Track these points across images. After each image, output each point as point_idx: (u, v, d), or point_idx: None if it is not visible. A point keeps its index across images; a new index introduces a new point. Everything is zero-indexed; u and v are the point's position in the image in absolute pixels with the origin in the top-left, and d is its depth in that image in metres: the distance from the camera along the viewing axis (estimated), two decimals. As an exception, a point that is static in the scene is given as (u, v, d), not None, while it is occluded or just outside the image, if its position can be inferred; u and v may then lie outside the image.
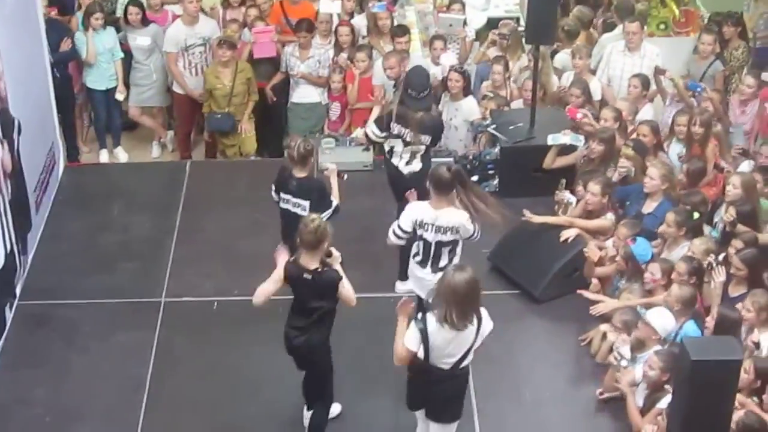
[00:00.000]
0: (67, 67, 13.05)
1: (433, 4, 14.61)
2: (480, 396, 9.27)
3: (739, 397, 8.09)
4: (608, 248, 10.32)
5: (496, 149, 12.11)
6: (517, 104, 12.79)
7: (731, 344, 7.32)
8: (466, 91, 12.60)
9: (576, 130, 11.73)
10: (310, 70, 13.13)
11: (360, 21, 13.60)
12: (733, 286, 9.49)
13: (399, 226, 9.23)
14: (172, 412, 9.45)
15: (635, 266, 9.96)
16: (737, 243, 9.57)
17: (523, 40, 12.98)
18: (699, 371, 6.93)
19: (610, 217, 10.61)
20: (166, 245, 11.47)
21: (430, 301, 7.99)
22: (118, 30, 13.38)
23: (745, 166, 11.13)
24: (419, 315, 7.98)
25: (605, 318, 9.77)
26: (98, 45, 13.03)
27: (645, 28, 13.26)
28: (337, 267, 8.42)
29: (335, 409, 9.11)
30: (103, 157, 13.69)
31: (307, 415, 9.06)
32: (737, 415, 7.95)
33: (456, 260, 9.11)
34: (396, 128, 10.37)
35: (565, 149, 11.67)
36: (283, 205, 9.71)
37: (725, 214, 10.14)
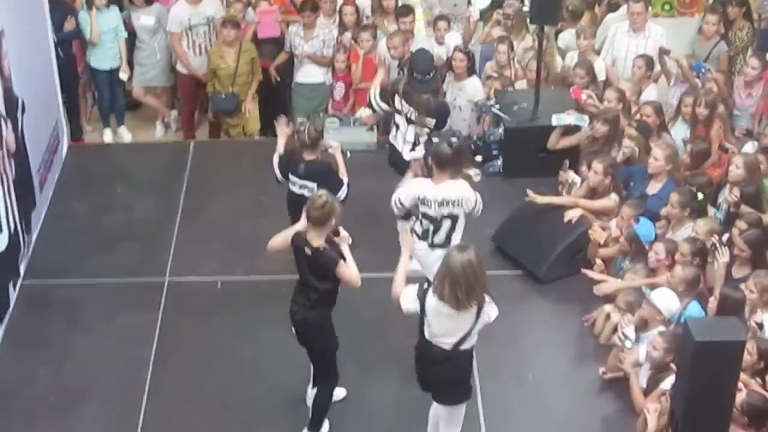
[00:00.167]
0: (70, 47, 13.02)
1: (438, -17, 14.56)
2: (483, 376, 9.27)
3: (743, 378, 8.09)
4: (612, 229, 10.32)
5: (500, 129, 12.10)
6: (521, 85, 12.77)
7: (735, 325, 7.30)
8: (470, 71, 12.56)
9: (580, 111, 11.72)
10: (315, 49, 13.09)
11: (364, 1, 13.56)
12: (737, 267, 9.49)
13: (399, 199, 9.26)
14: (175, 392, 9.46)
15: (639, 247, 9.96)
16: (741, 224, 9.56)
17: (528, 20, 12.95)
18: (702, 352, 6.93)
19: (614, 198, 10.60)
20: (170, 225, 11.47)
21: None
22: (121, 9, 13.36)
23: (749, 147, 11.11)
24: (425, 285, 8.02)
25: (609, 299, 9.78)
26: (102, 24, 12.99)
27: (649, 8, 13.22)
28: (344, 247, 8.41)
29: (339, 393, 9.10)
30: (107, 136, 13.67)
31: (310, 394, 9.07)
32: (740, 396, 7.96)
33: (456, 237, 9.12)
34: (404, 106, 10.38)
35: (570, 130, 11.66)
36: (291, 187, 9.72)
37: (729, 195, 10.14)
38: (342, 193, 9.35)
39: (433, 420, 8.57)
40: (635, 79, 12.17)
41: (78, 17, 12.97)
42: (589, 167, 10.70)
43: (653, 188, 10.53)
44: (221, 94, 12.99)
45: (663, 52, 12.47)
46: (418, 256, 9.22)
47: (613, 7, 13.69)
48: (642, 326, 9.18)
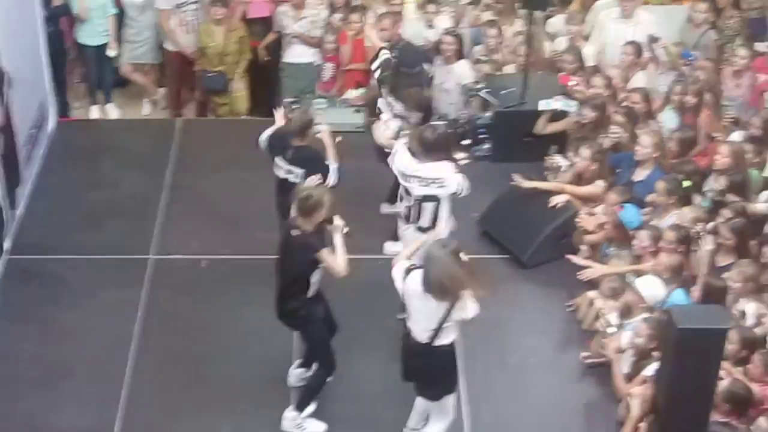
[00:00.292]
0: (59, 22, 12.96)
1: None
2: (467, 360, 9.27)
3: (725, 366, 8.13)
4: (598, 214, 10.34)
5: (488, 113, 12.11)
6: (510, 69, 12.76)
7: (718, 313, 7.36)
8: (459, 54, 12.54)
9: (568, 96, 11.73)
10: (303, 30, 13.06)
11: (354, -19, 13.54)
12: (722, 255, 9.50)
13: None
14: (158, 368, 9.47)
15: (624, 233, 9.98)
16: (726, 212, 9.59)
17: (517, 5, 12.95)
18: (685, 339, 6.97)
19: (600, 184, 10.61)
20: (156, 202, 11.47)
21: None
22: (111, -14, 13.30)
23: (736, 135, 11.12)
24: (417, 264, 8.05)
25: (593, 284, 9.80)
26: (91, 0, 12.93)
27: (639, -5, 13.23)
28: (336, 236, 8.39)
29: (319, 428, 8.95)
30: (94, 113, 13.59)
31: (293, 372, 9.11)
32: (723, 383, 8.00)
33: (441, 223, 9.14)
34: (390, 100, 10.42)
35: (557, 115, 11.66)
36: (275, 170, 9.67)
37: (716, 183, 10.16)
38: (331, 179, 9.32)
39: (418, 409, 8.60)
40: (624, 65, 12.18)
41: (66, -7, 12.93)
42: (577, 153, 10.72)
43: (640, 175, 10.54)
44: (210, 72, 12.97)
45: (652, 40, 12.48)
46: (406, 239, 9.24)
47: (603, -6, 13.68)
48: (626, 312, 9.21)
